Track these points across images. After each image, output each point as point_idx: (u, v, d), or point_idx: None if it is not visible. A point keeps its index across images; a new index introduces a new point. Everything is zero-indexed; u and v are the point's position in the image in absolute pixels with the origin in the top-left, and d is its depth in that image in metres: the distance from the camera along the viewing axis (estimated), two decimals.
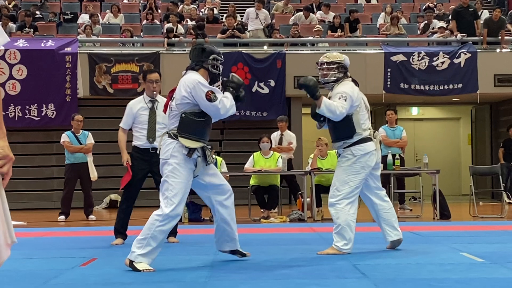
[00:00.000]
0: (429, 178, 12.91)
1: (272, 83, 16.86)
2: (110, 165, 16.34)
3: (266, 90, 16.70)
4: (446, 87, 17.11)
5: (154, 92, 8.62)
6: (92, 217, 12.95)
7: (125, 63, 16.63)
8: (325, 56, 7.43)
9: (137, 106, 8.58)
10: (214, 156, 6.53)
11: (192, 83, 6.20)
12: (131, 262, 6.09)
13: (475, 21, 17.77)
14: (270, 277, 5.74)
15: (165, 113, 6.68)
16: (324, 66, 7.35)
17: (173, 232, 8.65)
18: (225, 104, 6.24)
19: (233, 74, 6.67)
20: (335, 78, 7.31)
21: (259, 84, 16.80)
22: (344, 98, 7.06)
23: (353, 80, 7.40)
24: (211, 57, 6.42)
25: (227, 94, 6.36)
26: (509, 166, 16.33)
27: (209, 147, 6.44)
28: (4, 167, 2.89)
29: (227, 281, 5.57)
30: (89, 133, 13.17)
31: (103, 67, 16.53)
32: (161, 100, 8.66)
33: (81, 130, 13.08)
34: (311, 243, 8.29)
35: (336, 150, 7.49)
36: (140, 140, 8.53)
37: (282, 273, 5.96)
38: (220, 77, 6.52)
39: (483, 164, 17.94)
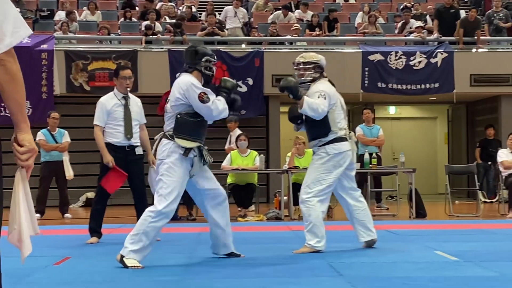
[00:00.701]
0: (405, 176, 12.96)
1: (250, 82, 16.84)
2: (86, 163, 16.25)
3: (244, 89, 16.67)
4: (423, 86, 17.18)
5: (128, 89, 8.57)
6: (67, 215, 12.88)
7: (102, 61, 16.54)
8: (301, 56, 7.49)
9: (111, 102, 8.46)
10: (210, 157, 6.58)
11: (185, 85, 6.33)
12: (122, 257, 6.15)
13: (456, 22, 17.83)
14: (244, 275, 5.74)
15: (160, 114, 6.69)
16: (300, 66, 7.41)
17: None
18: (218, 106, 6.36)
19: (226, 78, 6.82)
20: (311, 78, 7.38)
21: (237, 82, 16.75)
22: (323, 97, 7.14)
23: (329, 81, 7.45)
24: (204, 59, 6.53)
25: (220, 97, 6.47)
26: (485, 166, 16.43)
27: (205, 147, 6.51)
28: (29, 160, 2.91)
29: (201, 280, 5.56)
30: (66, 132, 13.05)
31: (80, 64, 16.42)
32: (132, 97, 8.65)
33: (57, 128, 12.97)
34: (288, 242, 8.29)
35: (312, 149, 7.53)
36: (116, 137, 8.42)
37: (257, 271, 5.96)
38: (213, 77, 6.63)
39: (459, 163, 18.03)
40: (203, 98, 6.26)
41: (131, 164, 8.46)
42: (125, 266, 6.09)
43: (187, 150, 6.28)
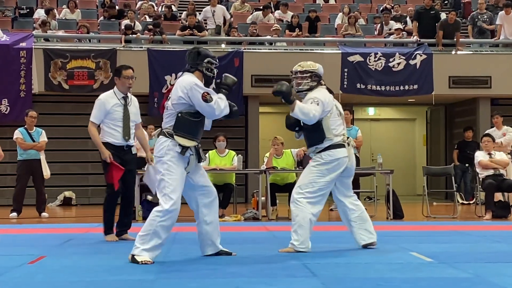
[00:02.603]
0: (383, 178, 13.00)
1: None
2: (64, 162, 16.20)
3: None
4: (401, 88, 17.26)
5: (130, 89, 8.61)
6: (44, 214, 12.79)
7: (81, 59, 16.46)
8: (298, 65, 7.57)
9: (111, 102, 8.49)
10: (204, 155, 6.75)
11: (189, 85, 6.47)
12: (133, 256, 6.33)
13: (436, 24, 17.91)
14: (219, 275, 5.73)
15: (161, 113, 6.80)
16: (298, 75, 7.48)
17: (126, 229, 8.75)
18: (220, 104, 6.52)
19: (227, 74, 6.91)
20: (308, 87, 7.44)
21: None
22: (316, 103, 7.20)
23: (327, 88, 7.52)
24: (205, 60, 6.71)
25: (221, 95, 6.63)
26: (463, 168, 16.51)
27: (200, 145, 6.64)
28: None
29: (175, 280, 5.56)
30: (43, 131, 12.98)
31: (59, 63, 16.33)
32: (131, 96, 8.69)
33: (34, 127, 12.91)
34: (264, 242, 8.32)
35: (307, 154, 7.61)
36: (114, 138, 8.46)
37: (232, 271, 5.96)
38: (214, 79, 6.79)
39: (437, 164, 18.13)
40: (206, 98, 6.43)
41: (128, 163, 8.55)
42: (136, 262, 6.27)
43: (184, 149, 6.43)
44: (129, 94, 8.61)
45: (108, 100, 8.50)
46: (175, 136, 6.43)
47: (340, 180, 7.40)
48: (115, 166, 8.35)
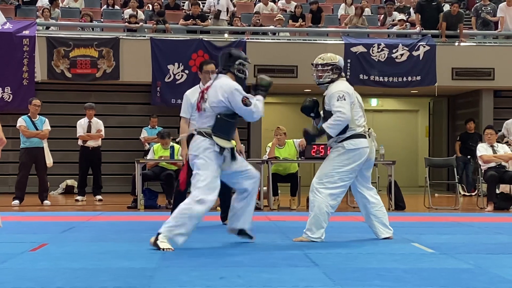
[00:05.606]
0: (385, 169, 13.01)
1: None
2: (66, 150, 16.21)
3: None
4: (404, 79, 17.24)
5: None
6: (47, 202, 12.82)
7: (84, 48, 16.46)
8: (319, 58, 7.59)
9: (195, 96, 8.60)
10: (239, 151, 6.88)
11: (229, 89, 6.66)
12: (156, 242, 6.47)
13: (439, 15, 17.88)
14: (220, 264, 5.74)
15: (198, 112, 6.94)
16: (319, 68, 7.51)
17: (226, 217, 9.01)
18: (259, 107, 6.77)
19: (261, 76, 7.14)
20: (330, 79, 7.46)
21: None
22: (343, 98, 7.22)
23: (348, 81, 7.55)
24: (237, 62, 6.91)
25: (259, 97, 6.88)
26: (465, 160, 16.52)
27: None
28: None
29: (177, 268, 5.57)
30: (46, 119, 13.02)
31: (62, 51, 16.34)
32: None
33: (38, 115, 12.93)
34: (266, 232, 8.32)
35: (328, 145, 7.60)
36: None
37: (234, 260, 5.98)
38: (246, 80, 6.97)
39: (440, 156, 18.12)
40: (246, 102, 6.62)
41: None
42: (158, 248, 6.41)
43: (221, 149, 6.62)
44: None
45: (193, 94, 8.73)
46: (213, 137, 6.64)
47: (361, 172, 7.42)
48: (184, 167, 8.48)
